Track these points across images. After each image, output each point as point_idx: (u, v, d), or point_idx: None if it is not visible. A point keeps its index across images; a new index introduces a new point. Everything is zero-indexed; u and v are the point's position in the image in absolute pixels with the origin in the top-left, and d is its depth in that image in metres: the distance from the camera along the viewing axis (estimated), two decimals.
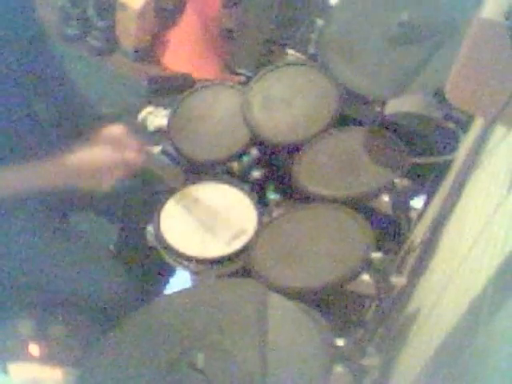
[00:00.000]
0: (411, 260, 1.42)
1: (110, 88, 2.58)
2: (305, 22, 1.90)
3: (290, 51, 1.88)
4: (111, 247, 1.71)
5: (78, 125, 1.43)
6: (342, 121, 1.49)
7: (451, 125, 1.58)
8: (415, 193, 1.48)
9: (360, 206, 1.30)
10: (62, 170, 1.26)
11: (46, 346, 1.44)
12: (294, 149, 1.44)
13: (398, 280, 1.17)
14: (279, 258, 1.22)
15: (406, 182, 1.29)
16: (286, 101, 1.50)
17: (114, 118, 1.61)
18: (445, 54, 1.24)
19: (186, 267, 1.30)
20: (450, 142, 1.55)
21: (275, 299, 0.96)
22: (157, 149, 1.58)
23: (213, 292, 1.01)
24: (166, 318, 0.96)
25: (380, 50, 1.36)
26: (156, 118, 1.59)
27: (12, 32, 1.23)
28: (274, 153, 1.52)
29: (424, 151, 1.49)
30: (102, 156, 1.28)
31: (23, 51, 1.26)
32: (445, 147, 1.53)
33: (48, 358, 1.43)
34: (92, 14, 2.68)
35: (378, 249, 1.19)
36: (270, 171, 1.51)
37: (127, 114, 1.78)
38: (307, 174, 1.38)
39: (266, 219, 1.36)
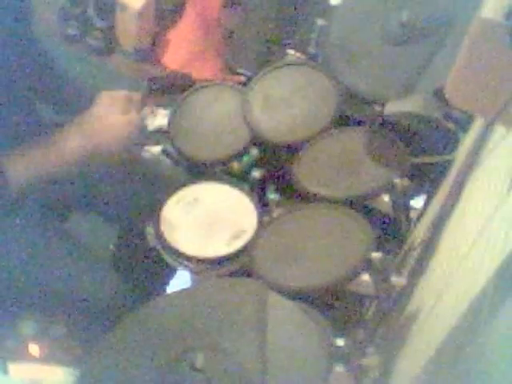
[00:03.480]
0: (411, 260, 1.42)
1: (110, 88, 2.57)
2: (305, 22, 1.90)
3: (290, 51, 1.88)
4: (111, 247, 1.71)
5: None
6: (342, 121, 1.49)
7: (451, 125, 1.58)
8: (415, 193, 1.48)
9: (360, 206, 1.30)
10: (74, 138, 1.22)
11: (46, 345, 1.44)
12: (294, 149, 1.44)
13: (397, 280, 1.17)
14: (279, 257, 1.22)
15: (406, 181, 1.29)
16: (286, 101, 1.50)
17: None
18: (445, 54, 1.24)
19: (186, 267, 1.30)
20: (450, 142, 1.55)
21: (275, 299, 0.95)
22: (157, 149, 1.57)
23: (213, 292, 1.01)
24: (166, 318, 0.96)
25: (380, 50, 1.36)
26: (156, 118, 1.59)
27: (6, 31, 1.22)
28: (274, 153, 1.52)
29: (424, 151, 1.49)
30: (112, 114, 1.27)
31: (18, 50, 1.26)
32: (445, 147, 1.53)
33: (48, 358, 1.43)
34: (92, 14, 2.68)
35: (378, 249, 1.18)
36: (270, 171, 1.51)
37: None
38: (307, 173, 1.38)
39: (266, 219, 1.35)
